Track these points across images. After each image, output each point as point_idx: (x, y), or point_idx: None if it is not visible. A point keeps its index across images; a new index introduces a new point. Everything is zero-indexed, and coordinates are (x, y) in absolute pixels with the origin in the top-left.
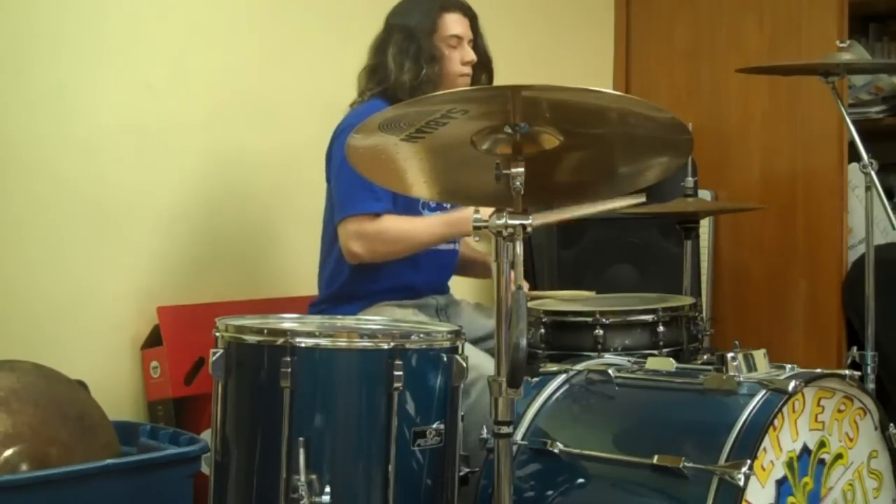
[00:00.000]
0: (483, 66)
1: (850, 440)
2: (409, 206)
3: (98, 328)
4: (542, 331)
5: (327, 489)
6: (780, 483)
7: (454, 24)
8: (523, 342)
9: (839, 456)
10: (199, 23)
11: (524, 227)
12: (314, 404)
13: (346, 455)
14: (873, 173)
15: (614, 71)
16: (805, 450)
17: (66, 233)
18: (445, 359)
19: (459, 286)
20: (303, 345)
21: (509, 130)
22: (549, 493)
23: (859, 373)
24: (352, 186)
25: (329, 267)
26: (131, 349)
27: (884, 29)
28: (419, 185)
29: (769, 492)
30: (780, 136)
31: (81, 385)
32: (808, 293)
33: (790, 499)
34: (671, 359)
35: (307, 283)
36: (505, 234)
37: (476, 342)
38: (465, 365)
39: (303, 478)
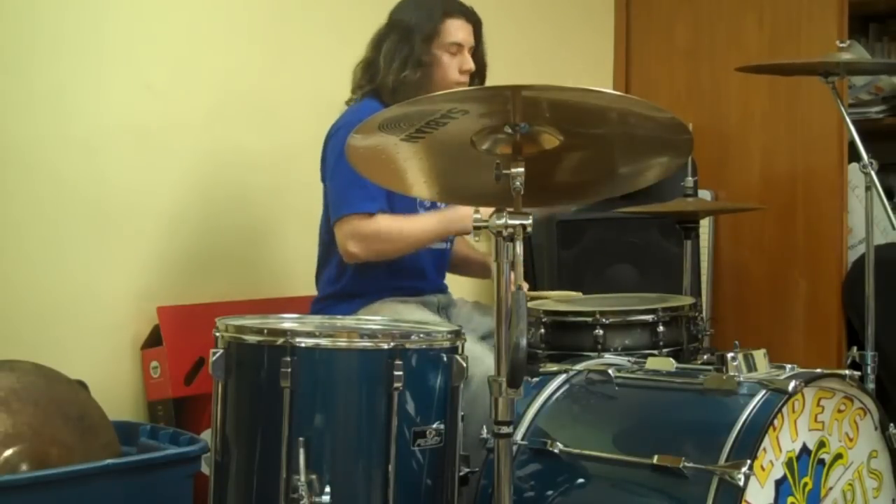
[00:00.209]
0: (479, 75)
1: (850, 440)
2: (405, 205)
3: (98, 328)
4: (542, 331)
5: (327, 489)
6: (780, 483)
7: (457, 30)
8: (523, 342)
9: (839, 456)
10: (199, 23)
11: (524, 227)
12: (314, 404)
13: (346, 455)
14: (873, 173)
15: (614, 71)
16: (805, 450)
17: (66, 233)
18: (445, 359)
19: (459, 286)
20: (303, 345)
21: (509, 130)
22: (549, 493)
23: (859, 373)
24: (346, 186)
25: (330, 266)
26: (131, 349)
27: (884, 29)
28: (419, 185)
29: (769, 492)
30: (780, 136)
31: (81, 385)
32: (808, 293)
33: (790, 499)
34: (671, 359)
35: (307, 283)
36: (505, 234)
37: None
38: (465, 365)
39: (303, 478)
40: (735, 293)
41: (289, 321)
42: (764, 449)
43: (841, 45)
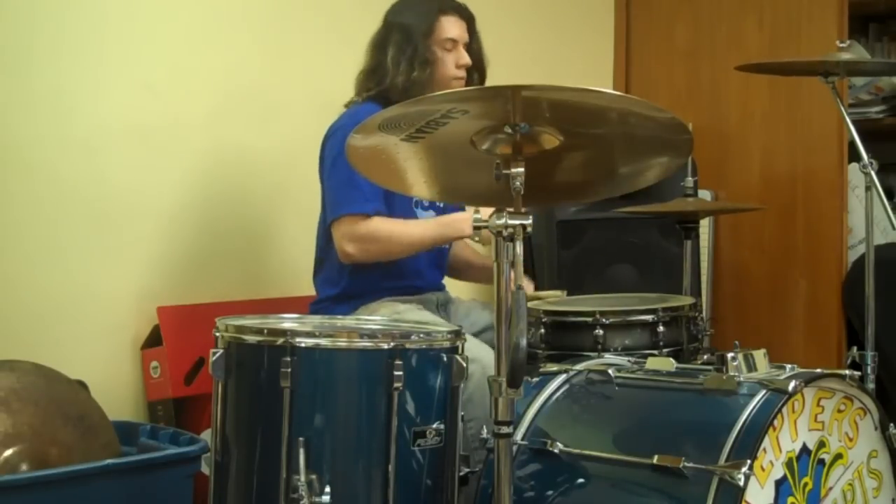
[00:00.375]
0: (476, 69)
1: (850, 440)
2: (402, 205)
3: (98, 328)
4: (542, 331)
5: (327, 489)
6: (780, 483)
7: (451, 26)
8: (523, 342)
9: (839, 456)
10: (199, 23)
11: (524, 227)
12: (314, 404)
13: (346, 455)
14: (873, 173)
15: (614, 71)
16: (805, 450)
17: (66, 233)
18: (445, 359)
19: (458, 286)
20: (303, 345)
21: (509, 130)
22: (549, 493)
23: (859, 373)
24: (342, 187)
25: (327, 268)
26: (131, 349)
27: (884, 29)
28: (419, 185)
29: (769, 492)
30: (780, 136)
31: (81, 385)
32: (808, 293)
33: (790, 499)
34: (671, 359)
35: (307, 283)
36: (505, 234)
37: (474, 336)
38: (465, 365)
39: (303, 478)
40: (735, 293)
41: (289, 321)
42: (764, 449)
43: (841, 45)
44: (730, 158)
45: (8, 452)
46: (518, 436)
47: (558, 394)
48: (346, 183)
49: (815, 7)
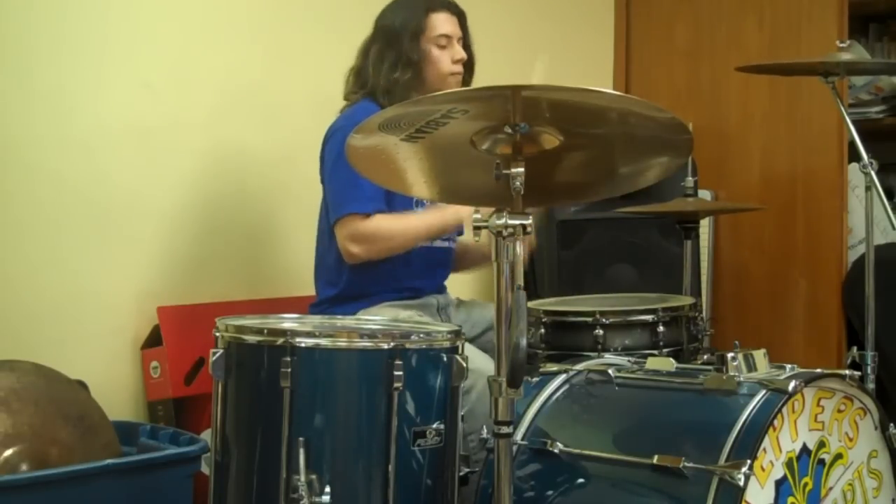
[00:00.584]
0: (467, 66)
1: (850, 440)
2: (402, 206)
3: (98, 328)
4: (542, 331)
5: (327, 489)
6: (780, 483)
7: (442, 23)
8: (523, 342)
9: (839, 456)
10: (199, 22)
11: (524, 227)
12: (314, 404)
13: (346, 455)
14: (873, 173)
15: (614, 71)
16: (805, 450)
17: (67, 233)
18: (445, 359)
19: (457, 287)
20: (303, 345)
21: (509, 130)
22: (549, 493)
23: (859, 373)
24: (343, 187)
25: (328, 268)
26: (131, 349)
27: (884, 29)
28: (419, 185)
29: (769, 492)
30: (780, 136)
31: (81, 385)
32: (808, 293)
33: (790, 499)
34: (671, 359)
35: (307, 283)
36: (505, 234)
37: (476, 338)
38: (465, 365)
39: (303, 478)
40: (735, 293)
41: (289, 321)
42: (764, 449)
43: (841, 45)
44: (730, 158)
45: (8, 452)
46: (518, 436)
47: (558, 394)
48: (347, 183)
49: (815, 7)
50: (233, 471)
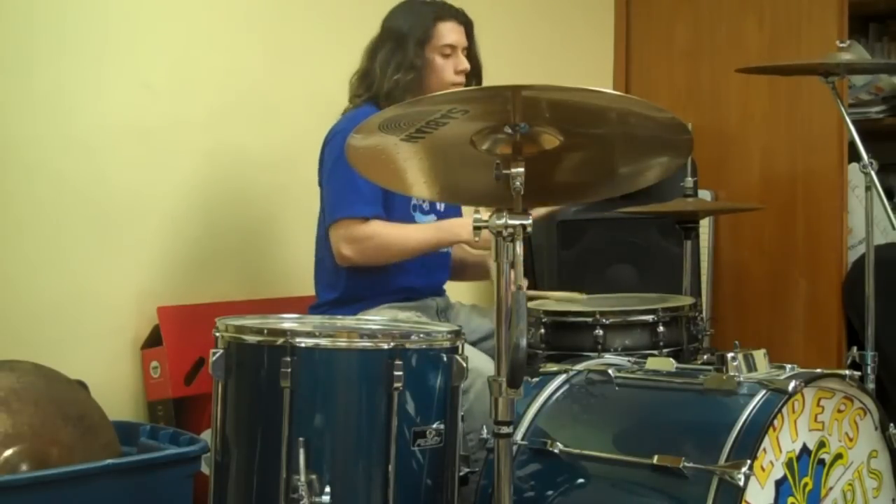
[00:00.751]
0: (474, 74)
1: (850, 440)
2: (400, 209)
3: (98, 328)
4: (542, 331)
5: (327, 489)
6: (780, 483)
7: (448, 32)
8: (523, 342)
9: (839, 456)
10: (199, 23)
11: (524, 227)
12: (314, 404)
13: (346, 455)
14: (873, 173)
15: (614, 71)
16: (805, 450)
17: (67, 233)
18: (445, 359)
19: (457, 288)
20: (303, 345)
21: (509, 130)
22: (549, 493)
23: (859, 373)
24: (341, 190)
25: (327, 271)
26: (131, 349)
27: (884, 29)
28: (419, 185)
29: (769, 492)
30: (780, 136)
31: (81, 385)
32: (808, 293)
33: (790, 499)
34: (671, 359)
35: (307, 283)
36: (505, 234)
37: (474, 344)
38: (465, 365)
39: (303, 478)
40: (735, 293)
41: (289, 321)
42: (764, 449)
43: (841, 45)
44: (730, 158)
45: (8, 452)
46: (518, 436)
47: (558, 394)
48: (345, 186)
49: (815, 7)
50: (233, 471)
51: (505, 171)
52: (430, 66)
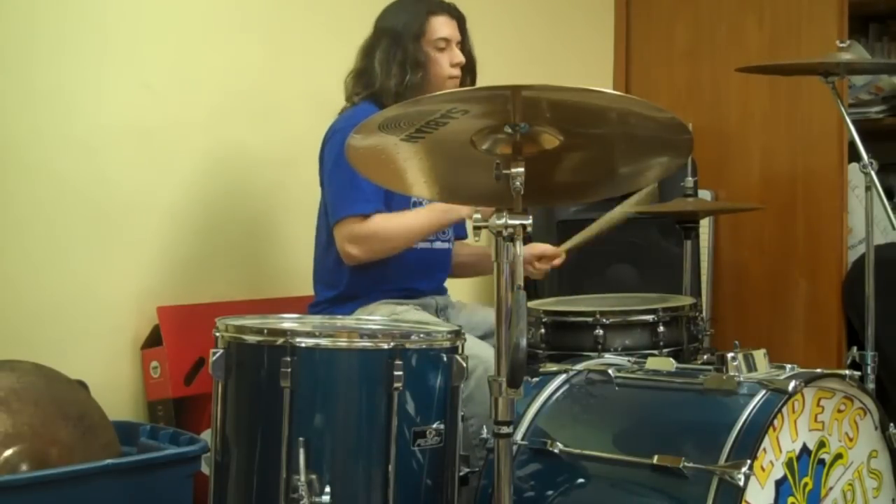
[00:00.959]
0: (467, 69)
1: (850, 440)
2: (400, 206)
3: (98, 328)
4: (542, 331)
5: (327, 489)
6: (780, 483)
7: (442, 27)
8: (523, 342)
9: (839, 456)
10: (199, 23)
11: (524, 227)
12: (314, 404)
13: (346, 455)
14: (873, 173)
15: (614, 71)
16: (805, 450)
17: (67, 233)
18: (445, 359)
19: (457, 288)
20: (303, 345)
21: (509, 130)
22: (549, 493)
23: (859, 373)
24: (342, 189)
25: (326, 269)
26: (131, 349)
27: (884, 29)
28: (419, 185)
29: (769, 492)
30: (780, 136)
31: (81, 385)
32: (808, 293)
33: (790, 499)
34: (671, 359)
35: (307, 283)
36: (505, 234)
37: (483, 338)
38: (465, 365)
39: (303, 478)
40: (735, 293)
41: (289, 321)
42: (764, 449)
43: (841, 45)
44: (730, 158)
45: (8, 452)
46: (518, 436)
47: (558, 394)
48: (347, 185)
49: (815, 7)
50: (233, 471)
51: (505, 171)
52: (430, 62)
